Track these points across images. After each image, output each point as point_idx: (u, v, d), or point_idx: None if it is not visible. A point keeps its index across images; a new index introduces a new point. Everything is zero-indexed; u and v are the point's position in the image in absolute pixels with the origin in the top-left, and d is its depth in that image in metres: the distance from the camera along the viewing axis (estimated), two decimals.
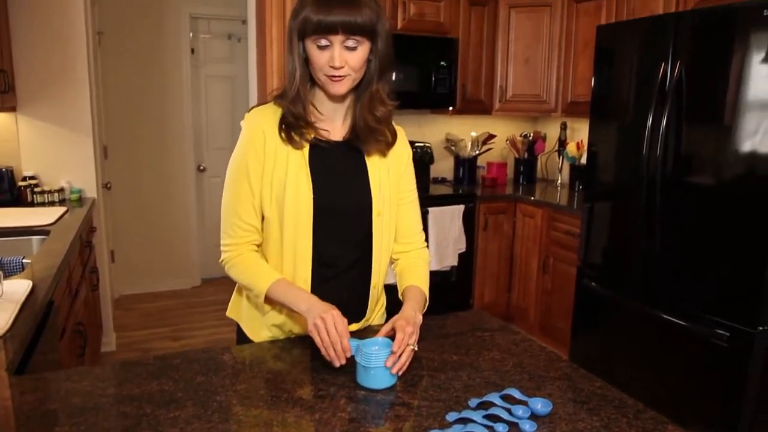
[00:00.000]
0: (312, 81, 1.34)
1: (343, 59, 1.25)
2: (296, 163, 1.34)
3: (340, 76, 1.28)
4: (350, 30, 1.23)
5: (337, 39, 1.24)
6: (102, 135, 4.29)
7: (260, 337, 1.47)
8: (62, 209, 3.01)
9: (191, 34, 4.83)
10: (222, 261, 1.41)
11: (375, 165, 1.41)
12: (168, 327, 4.17)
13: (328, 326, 1.21)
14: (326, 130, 1.38)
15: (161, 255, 4.95)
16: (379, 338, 1.23)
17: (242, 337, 1.50)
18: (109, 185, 4.25)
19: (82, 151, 3.43)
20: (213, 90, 5.03)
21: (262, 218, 1.38)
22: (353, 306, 1.46)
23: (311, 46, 1.26)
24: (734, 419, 2.38)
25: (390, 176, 1.44)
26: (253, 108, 1.39)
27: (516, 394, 1.14)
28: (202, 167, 5.06)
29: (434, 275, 3.85)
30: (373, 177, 1.40)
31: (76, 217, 2.86)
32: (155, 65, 4.70)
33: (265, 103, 1.40)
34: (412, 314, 1.32)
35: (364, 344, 1.20)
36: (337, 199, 1.36)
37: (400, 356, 1.21)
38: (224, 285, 5.03)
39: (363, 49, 1.27)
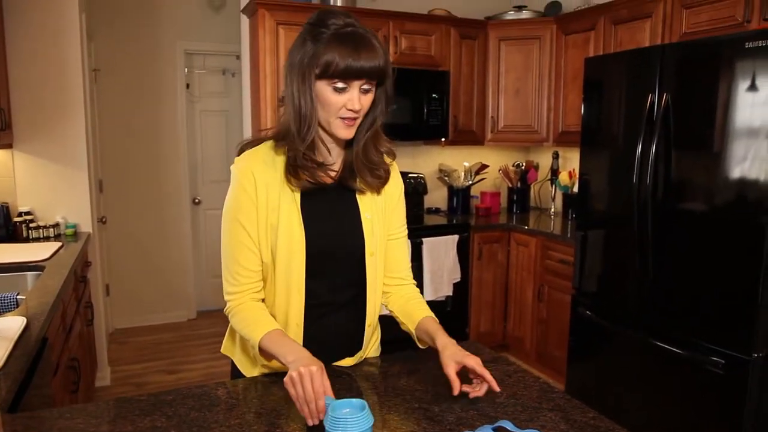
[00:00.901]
0: None
1: (360, 103, 1.24)
2: (288, 208, 1.31)
3: (354, 119, 1.26)
4: (373, 76, 1.22)
5: (357, 83, 1.23)
6: (98, 169, 4.31)
7: (253, 373, 1.45)
8: (57, 244, 3.01)
9: (186, 70, 4.88)
10: (226, 310, 1.38)
11: (367, 204, 1.39)
12: (163, 360, 4.13)
13: (304, 381, 1.12)
14: (335, 171, 1.36)
15: (157, 287, 4.93)
16: (354, 400, 1.10)
17: (236, 372, 1.49)
18: (104, 219, 4.26)
19: (77, 186, 3.44)
20: (208, 124, 5.06)
21: None
22: (348, 342, 1.45)
23: (325, 89, 1.23)
24: None
25: (382, 214, 1.42)
26: (243, 148, 1.36)
27: (509, 426, 1.14)
28: (197, 200, 5.07)
29: (430, 305, 3.85)
30: (365, 217, 1.38)
31: (71, 252, 2.86)
32: (151, 100, 4.74)
33: (256, 141, 1.37)
34: (457, 347, 1.30)
35: (335, 407, 1.07)
36: (329, 242, 1.34)
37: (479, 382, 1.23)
38: (220, 317, 5.00)
39: (374, 91, 1.27)
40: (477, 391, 1.26)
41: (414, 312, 1.43)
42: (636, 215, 2.72)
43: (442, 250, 3.84)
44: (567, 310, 3.38)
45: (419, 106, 3.99)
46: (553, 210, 4.42)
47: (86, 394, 2.91)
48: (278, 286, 1.35)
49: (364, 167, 1.36)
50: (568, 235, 3.56)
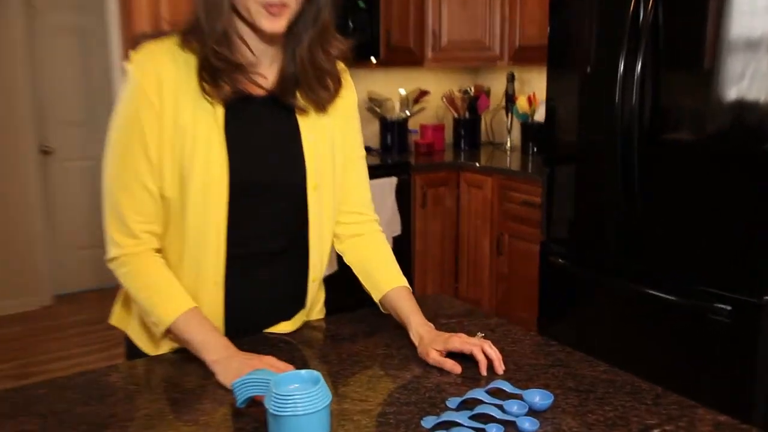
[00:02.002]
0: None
1: None
2: (205, 127, 1.27)
3: (282, 6, 1.22)
4: None
5: None
6: None
7: (160, 348, 1.39)
8: None
9: None
10: (109, 261, 1.33)
11: (310, 125, 1.38)
12: (11, 363, 3.88)
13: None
14: (264, 78, 1.33)
15: None
16: (304, 372, 1.05)
17: (134, 351, 1.43)
18: None
19: None
20: (58, 46, 4.71)
21: None
22: (285, 303, 1.45)
23: None
24: (746, 402, 2.46)
25: (330, 137, 1.41)
26: (142, 43, 1.28)
27: (506, 387, 1.14)
28: (47, 149, 4.78)
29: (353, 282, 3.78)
30: (307, 140, 1.37)
31: None
32: None
33: (156, 34, 1.30)
34: (434, 332, 1.33)
35: (278, 382, 1.03)
36: (261, 173, 1.33)
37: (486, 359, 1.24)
38: (87, 301, 4.80)
39: None
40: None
41: (379, 277, 1.45)
42: (618, 145, 2.74)
43: (377, 198, 3.75)
44: (534, 262, 3.41)
45: (341, 18, 3.89)
46: (509, 144, 4.45)
47: None
48: (188, 231, 1.30)
49: (310, 76, 1.33)
50: (530, 172, 3.59)
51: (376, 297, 1.44)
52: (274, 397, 0.98)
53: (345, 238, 1.50)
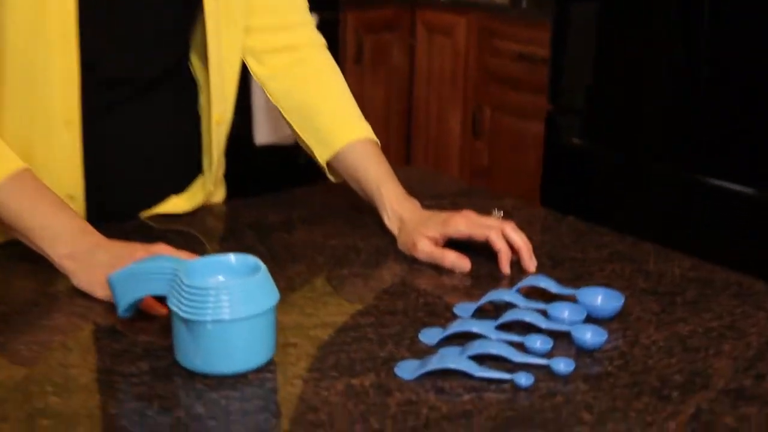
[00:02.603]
0: None
1: None
2: None
3: None
4: None
5: None
6: None
7: None
8: None
9: None
10: None
11: None
12: None
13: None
14: None
15: None
16: (231, 255, 1.07)
17: None
18: None
19: None
20: None
21: None
22: (174, 168, 1.51)
23: None
24: None
25: None
26: None
27: (548, 284, 1.16)
28: None
29: (266, 156, 3.77)
30: None
31: None
32: None
33: None
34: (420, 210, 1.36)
35: (191, 270, 1.03)
36: None
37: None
38: None
39: None
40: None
41: (328, 124, 1.48)
42: None
43: None
44: (533, 147, 3.44)
45: None
46: None
47: None
48: (17, 47, 1.30)
49: None
50: (529, 7, 3.60)
51: (322, 157, 1.46)
52: (187, 293, 0.96)
53: (266, 56, 1.53)
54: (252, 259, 1.03)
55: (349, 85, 3.89)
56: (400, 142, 4.19)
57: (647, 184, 2.98)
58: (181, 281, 0.97)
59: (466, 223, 1.26)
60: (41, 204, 1.25)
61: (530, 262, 1.24)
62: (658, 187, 2.96)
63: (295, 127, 1.50)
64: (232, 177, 1.66)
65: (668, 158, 2.90)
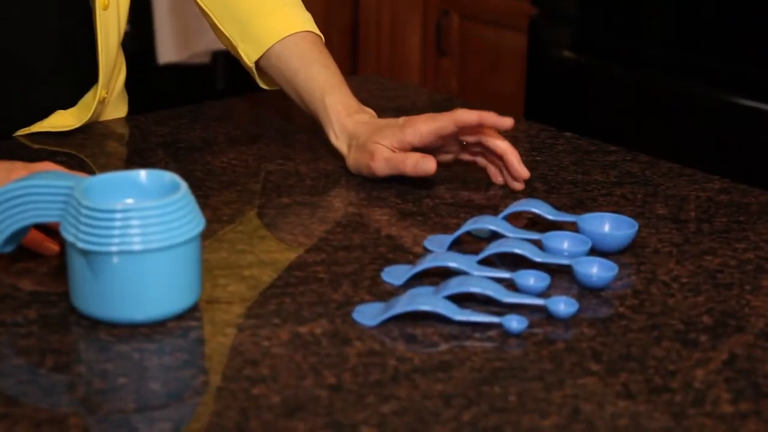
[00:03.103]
0: None
1: None
2: None
3: None
4: None
5: None
6: None
7: None
8: None
9: None
10: None
11: None
12: None
13: None
14: None
15: None
16: (141, 171, 1.07)
17: None
18: None
19: None
20: None
21: None
22: (59, 72, 1.52)
23: None
24: None
25: None
26: None
27: (544, 209, 1.17)
28: None
29: (173, 78, 3.77)
30: None
31: None
32: None
33: None
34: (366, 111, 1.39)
35: (89, 188, 1.01)
36: None
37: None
38: None
39: None
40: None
41: (258, 16, 1.49)
42: None
43: None
44: (514, 63, 3.42)
45: None
46: None
47: None
48: None
49: None
50: None
51: (249, 57, 1.48)
52: (86, 217, 0.94)
53: None
54: (169, 176, 1.01)
55: None
56: (344, 64, 4.14)
57: (655, 103, 2.99)
58: (78, 203, 0.95)
59: (426, 121, 1.26)
60: None
61: (520, 168, 1.24)
62: (669, 104, 2.97)
63: (214, 18, 1.51)
64: (133, 101, 1.65)
65: (678, 70, 2.92)
